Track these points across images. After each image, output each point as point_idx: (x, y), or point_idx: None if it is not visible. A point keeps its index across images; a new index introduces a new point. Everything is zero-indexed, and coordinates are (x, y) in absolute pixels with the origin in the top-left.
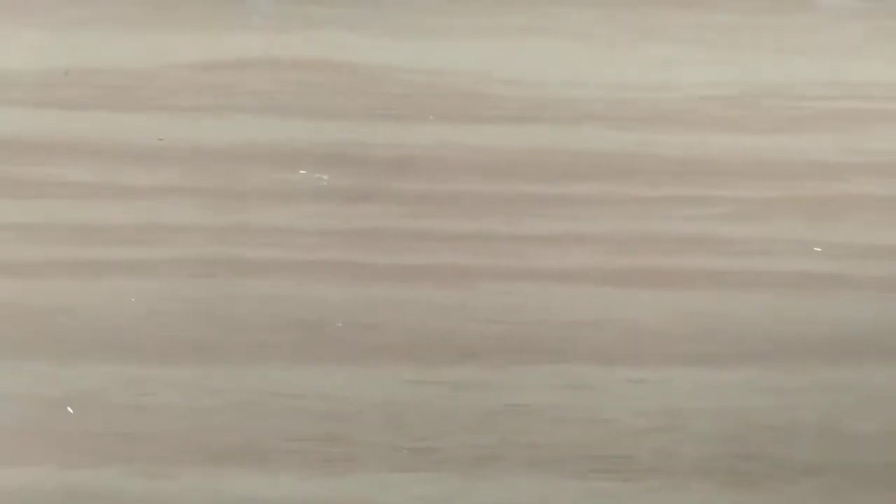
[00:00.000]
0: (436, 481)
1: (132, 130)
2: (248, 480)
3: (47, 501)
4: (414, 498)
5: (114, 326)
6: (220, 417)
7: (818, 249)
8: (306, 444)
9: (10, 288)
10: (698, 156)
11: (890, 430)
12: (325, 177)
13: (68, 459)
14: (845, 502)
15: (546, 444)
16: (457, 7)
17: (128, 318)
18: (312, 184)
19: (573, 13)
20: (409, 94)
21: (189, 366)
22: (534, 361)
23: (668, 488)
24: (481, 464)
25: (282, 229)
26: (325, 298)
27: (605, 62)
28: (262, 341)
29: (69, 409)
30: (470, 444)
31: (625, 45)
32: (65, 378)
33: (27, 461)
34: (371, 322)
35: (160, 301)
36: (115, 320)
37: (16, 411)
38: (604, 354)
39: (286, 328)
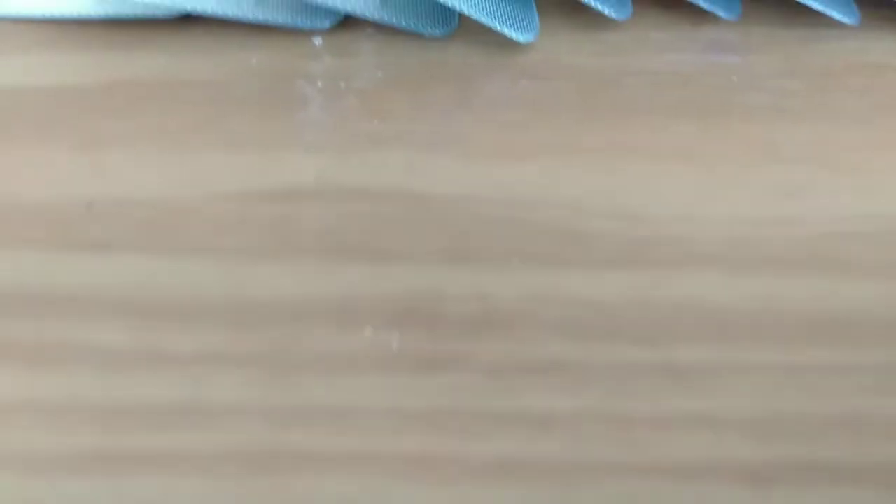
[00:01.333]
0: None
1: (169, 280)
2: None
3: None
4: None
5: None
6: None
7: None
8: None
9: (18, 487)
10: (835, 309)
11: None
12: (395, 338)
13: None
14: None
15: None
16: (543, 123)
17: None
18: (380, 348)
19: (677, 128)
20: (489, 232)
21: None
22: None
23: None
24: None
25: (344, 410)
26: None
27: (716, 189)
28: None
29: None
30: None
31: (738, 168)
32: None
33: None
34: None
35: None
36: None
37: None
38: None
39: None
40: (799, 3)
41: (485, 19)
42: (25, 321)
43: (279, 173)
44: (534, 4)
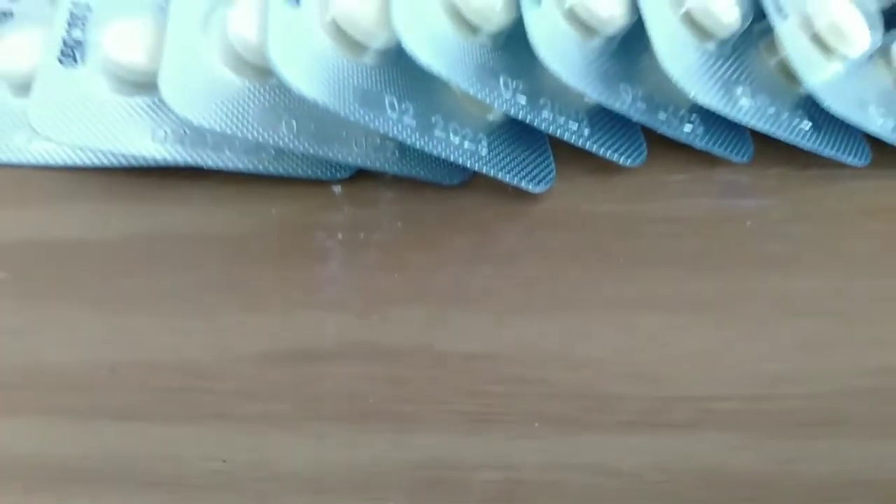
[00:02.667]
0: None
1: (192, 450)
2: None
3: None
4: None
5: None
6: None
7: None
8: None
9: None
10: (858, 471)
11: None
12: None
13: None
14: None
15: None
16: (561, 277)
17: None
18: None
19: (693, 280)
20: (511, 393)
21: None
22: None
23: None
24: None
25: None
26: None
27: (733, 345)
28: None
29: None
30: None
31: (754, 322)
32: None
33: None
34: None
35: None
36: None
37: None
38: None
39: None
40: None
41: (500, 175)
42: (46, 496)
43: (300, 333)
44: (550, 152)
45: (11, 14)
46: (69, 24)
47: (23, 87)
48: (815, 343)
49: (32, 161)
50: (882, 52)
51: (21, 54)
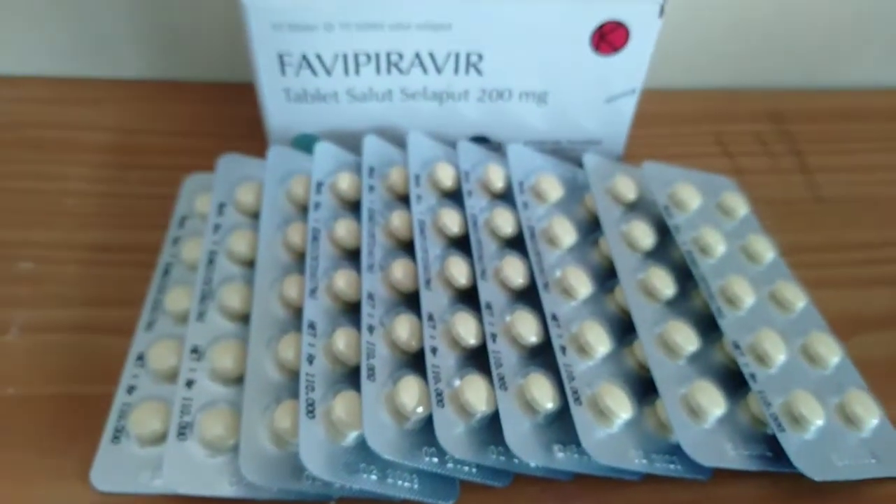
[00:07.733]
0: None
1: None
2: None
3: None
4: None
5: None
6: None
7: None
8: None
9: None
10: None
11: None
12: None
13: None
14: None
15: None
16: None
17: None
18: None
19: None
20: None
21: None
22: None
23: None
24: None
25: None
26: None
27: None
28: None
29: None
30: None
31: None
32: None
33: None
34: None
35: None
36: None
37: None
38: None
39: None
40: None
41: (424, 498)
42: None
43: None
44: (456, 480)
45: (136, 387)
46: (181, 412)
47: (146, 441)
48: None
49: (153, 492)
50: (650, 402)
51: (145, 421)
